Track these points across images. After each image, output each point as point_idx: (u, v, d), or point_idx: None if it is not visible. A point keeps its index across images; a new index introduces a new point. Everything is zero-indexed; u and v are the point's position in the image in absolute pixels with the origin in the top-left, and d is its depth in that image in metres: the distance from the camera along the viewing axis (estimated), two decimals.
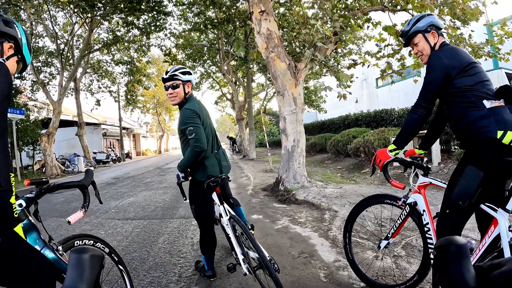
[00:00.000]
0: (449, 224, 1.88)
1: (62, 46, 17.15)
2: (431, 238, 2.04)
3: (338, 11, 6.73)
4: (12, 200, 1.22)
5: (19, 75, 14.53)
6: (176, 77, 2.54)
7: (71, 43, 17.52)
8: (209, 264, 2.77)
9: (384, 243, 2.36)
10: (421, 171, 2.25)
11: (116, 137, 32.28)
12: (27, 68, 1.60)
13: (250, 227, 2.67)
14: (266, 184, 8.24)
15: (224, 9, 12.06)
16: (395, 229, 2.31)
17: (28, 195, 1.50)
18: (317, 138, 16.07)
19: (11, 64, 1.43)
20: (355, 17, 6.70)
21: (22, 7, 13.30)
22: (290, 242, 3.69)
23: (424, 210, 2.11)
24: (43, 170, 15.93)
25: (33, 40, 16.07)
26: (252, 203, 6.18)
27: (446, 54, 1.94)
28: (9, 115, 13.12)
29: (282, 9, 12.50)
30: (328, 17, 6.39)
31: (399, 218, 2.28)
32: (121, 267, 1.96)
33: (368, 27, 7.79)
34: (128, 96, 24.58)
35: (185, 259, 3.35)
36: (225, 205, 2.52)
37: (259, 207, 5.78)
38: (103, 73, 22.50)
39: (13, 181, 1.20)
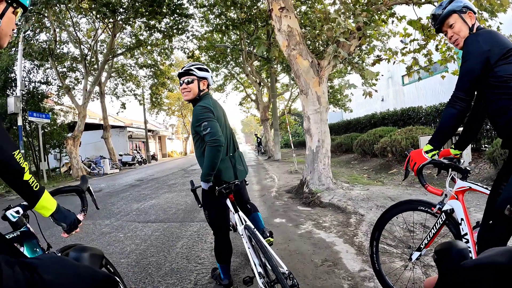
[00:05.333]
0: (492, 237, 1.62)
1: (86, 51, 17.60)
2: (469, 252, 1.78)
3: (361, 6, 6.44)
4: (26, 176, 1.17)
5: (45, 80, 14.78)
6: (192, 72, 2.45)
7: (94, 48, 17.98)
8: (225, 272, 2.62)
9: (416, 254, 2.11)
10: (459, 174, 1.98)
11: (141, 139, 32.96)
12: (27, 10, 1.43)
13: (268, 234, 2.49)
14: (290, 186, 8.04)
15: (245, 9, 11.96)
16: (429, 239, 2.05)
17: (24, 202, 1.43)
18: (343, 138, 15.72)
19: (8, 18, 1.29)
20: (379, 12, 6.40)
21: (46, 14, 13.72)
22: (313, 249, 3.48)
23: (462, 219, 1.86)
24: (70, 173, 16.40)
25: (58, 46, 16.61)
26: (275, 206, 6.01)
27: (484, 38, 1.70)
28: (35, 119, 13.80)
29: (304, 8, 12.26)
30: (350, 12, 6.12)
31: (434, 227, 2.03)
32: (117, 278, 1.86)
33: (392, 21, 7.42)
34: (153, 99, 24.99)
35: (202, 265, 3.23)
36: (240, 213, 2.35)
37: (283, 210, 5.60)
38: (128, 77, 22.98)
39: (20, 158, 1.14)
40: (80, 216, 1.55)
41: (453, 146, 2.15)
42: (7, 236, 1.42)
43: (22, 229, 1.47)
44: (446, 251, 0.71)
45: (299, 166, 11.79)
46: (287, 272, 1.87)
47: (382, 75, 10.66)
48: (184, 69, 2.49)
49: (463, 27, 1.84)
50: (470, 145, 7.22)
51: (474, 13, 1.87)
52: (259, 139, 31.38)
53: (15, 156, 1.13)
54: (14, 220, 1.43)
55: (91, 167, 17.94)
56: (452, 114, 1.76)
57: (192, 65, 2.50)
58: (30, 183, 1.18)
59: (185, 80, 2.46)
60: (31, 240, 1.48)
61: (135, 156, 25.31)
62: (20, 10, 1.35)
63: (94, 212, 6.38)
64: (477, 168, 6.68)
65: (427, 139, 3.38)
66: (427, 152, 1.88)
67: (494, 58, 1.64)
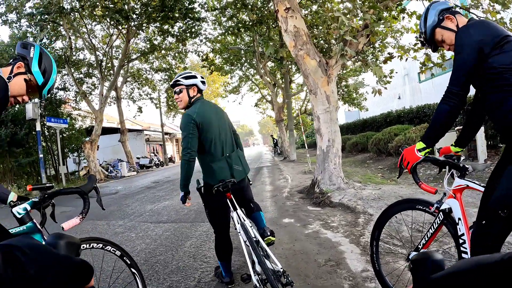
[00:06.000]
0: (486, 239, 1.57)
1: (101, 57, 17.95)
2: (466, 252, 1.73)
3: (368, 3, 6.36)
4: None
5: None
6: (179, 82, 2.58)
7: (109, 54, 18.33)
8: (226, 270, 2.68)
9: (414, 254, 2.08)
10: (457, 172, 1.93)
11: (159, 142, 33.41)
12: (43, 95, 1.67)
13: (268, 233, 2.51)
14: (303, 186, 8.01)
15: (256, 10, 11.99)
16: (426, 239, 2.01)
17: (33, 199, 1.62)
18: (358, 137, 15.53)
19: (17, 81, 1.51)
20: (387, 8, 6.29)
21: (60, 23, 14.08)
22: (318, 249, 3.48)
23: (459, 218, 1.81)
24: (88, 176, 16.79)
25: (74, 53, 17.06)
26: (286, 206, 6.01)
27: (475, 28, 1.65)
28: (53, 124, 14.15)
29: (315, 7, 12.19)
30: (358, 10, 6.05)
31: (432, 227, 1.99)
32: (133, 270, 1.94)
33: (403, 18, 7.29)
34: (169, 102, 25.28)
35: (207, 264, 3.28)
36: (239, 211, 2.40)
37: (292, 210, 5.60)
38: (143, 81, 23.34)
39: None
40: (77, 219, 1.65)
41: (453, 143, 2.10)
42: (12, 231, 1.54)
43: (27, 224, 1.58)
44: (421, 261, 0.72)
45: (313, 166, 11.71)
46: (281, 270, 1.89)
47: (397, 73, 10.48)
48: (173, 81, 2.62)
49: (451, 35, 1.81)
50: (485, 141, 7.01)
51: (450, 8, 1.84)
52: (275, 140, 31.30)
53: None
54: (19, 216, 1.56)
55: (109, 170, 18.33)
56: (445, 111, 1.69)
57: (179, 76, 2.62)
58: None
59: (176, 91, 2.60)
60: (36, 235, 1.59)
61: (152, 159, 25.69)
62: (36, 91, 1.61)
63: (109, 213, 6.55)
64: (493, 165, 6.49)
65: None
66: (420, 150, 1.83)
67: (488, 48, 1.58)
